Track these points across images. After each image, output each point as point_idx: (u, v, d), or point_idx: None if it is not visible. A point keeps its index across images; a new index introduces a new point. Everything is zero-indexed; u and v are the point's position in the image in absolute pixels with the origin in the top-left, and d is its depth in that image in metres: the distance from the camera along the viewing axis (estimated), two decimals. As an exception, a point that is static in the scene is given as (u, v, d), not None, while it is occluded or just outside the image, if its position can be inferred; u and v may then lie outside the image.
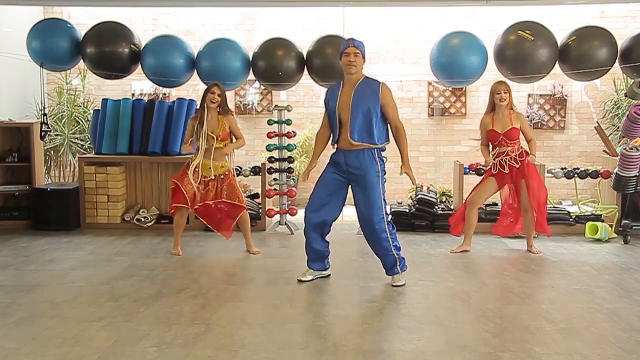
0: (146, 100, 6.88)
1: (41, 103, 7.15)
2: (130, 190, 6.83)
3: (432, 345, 3.42)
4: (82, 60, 6.60)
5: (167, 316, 3.87)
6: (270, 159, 6.55)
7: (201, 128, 5.25)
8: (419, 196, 6.63)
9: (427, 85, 8.54)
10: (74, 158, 8.02)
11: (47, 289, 4.45)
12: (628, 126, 6.02)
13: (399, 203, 6.94)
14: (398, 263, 4.53)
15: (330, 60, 6.16)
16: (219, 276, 4.88)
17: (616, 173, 6.07)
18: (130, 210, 6.71)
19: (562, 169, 6.71)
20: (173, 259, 5.35)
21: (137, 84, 8.51)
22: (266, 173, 6.53)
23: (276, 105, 6.65)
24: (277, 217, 6.57)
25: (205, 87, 5.58)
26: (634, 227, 6.06)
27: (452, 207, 6.80)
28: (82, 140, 8.22)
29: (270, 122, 6.58)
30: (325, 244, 4.67)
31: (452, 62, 6.24)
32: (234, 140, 5.46)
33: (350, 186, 4.53)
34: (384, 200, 4.46)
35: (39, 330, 3.62)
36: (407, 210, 6.58)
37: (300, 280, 4.62)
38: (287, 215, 6.53)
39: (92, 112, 7.53)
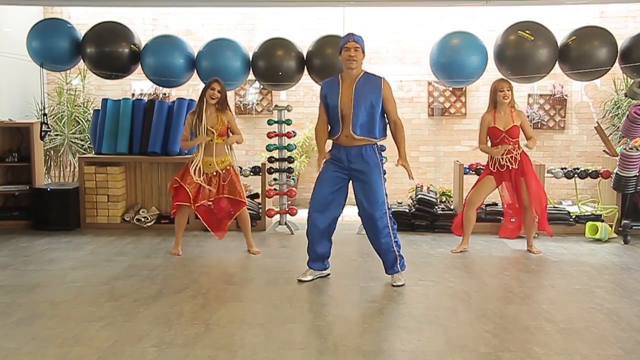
0: (146, 100, 6.88)
1: (41, 103, 7.15)
2: (130, 190, 6.83)
3: (432, 345, 3.42)
4: (82, 60, 6.60)
5: (167, 316, 3.87)
6: (270, 159, 6.55)
7: (200, 123, 5.25)
8: (419, 196, 6.63)
9: (427, 85, 8.54)
10: (74, 158, 8.02)
11: (47, 289, 4.45)
12: (628, 126, 6.02)
13: (399, 203, 6.94)
14: (398, 261, 4.54)
15: (330, 60, 6.16)
16: (219, 276, 4.88)
17: (616, 173, 6.07)
18: (130, 210, 6.71)
19: (562, 169, 6.71)
20: (173, 259, 5.35)
21: (137, 84, 8.52)
22: (266, 173, 6.53)
23: (276, 105, 6.65)
24: (277, 217, 6.57)
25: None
26: (634, 227, 6.06)
27: (452, 207, 6.80)
28: (82, 140, 8.22)
29: (270, 122, 6.58)
30: (329, 244, 4.69)
31: (452, 62, 6.23)
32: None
33: (351, 183, 4.54)
34: (386, 195, 4.49)
35: (39, 330, 3.62)
36: (407, 210, 6.58)
37: (300, 280, 4.62)
38: (287, 215, 6.53)
39: (92, 112, 7.53)
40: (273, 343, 3.45)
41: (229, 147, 5.43)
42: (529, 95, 8.45)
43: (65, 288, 4.47)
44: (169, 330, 3.63)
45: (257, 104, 8.67)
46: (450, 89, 8.39)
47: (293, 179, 6.68)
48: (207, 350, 3.34)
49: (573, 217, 6.45)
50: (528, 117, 7.88)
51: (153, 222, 6.60)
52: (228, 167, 5.42)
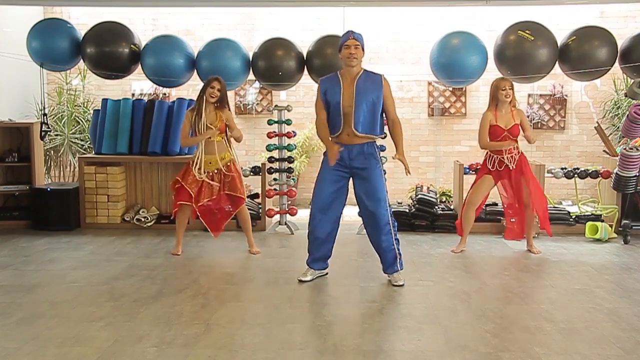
0: (146, 100, 6.88)
1: (41, 103, 7.15)
2: (130, 190, 6.82)
3: (432, 345, 3.42)
4: (82, 60, 6.60)
5: (167, 316, 3.87)
6: (270, 159, 6.55)
7: (200, 120, 5.25)
8: (419, 196, 6.63)
9: (427, 85, 8.54)
10: (74, 158, 8.02)
11: (47, 289, 4.45)
12: (628, 126, 6.02)
13: (399, 203, 6.94)
14: (398, 259, 4.55)
15: (330, 60, 6.16)
16: (219, 276, 4.88)
17: (616, 173, 6.07)
18: (130, 210, 6.71)
19: (562, 169, 6.71)
20: (173, 259, 5.35)
21: (137, 84, 8.52)
22: (266, 173, 6.53)
23: (276, 105, 6.65)
24: (277, 217, 6.57)
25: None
26: (634, 227, 6.06)
27: (452, 207, 6.80)
28: (82, 140, 8.22)
29: (270, 122, 6.58)
30: (331, 245, 4.71)
31: (452, 62, 6.24)
32: (232, 139, 5.45)
33: (352, 180, 4.56)
34: (386, 191, 4.52)
35: (39, 330, 3.62)
36: (407, 210, 6.58)
37: (301, 281, 4.62)
38: (287, 215, 6.52)
39: (92, 112, 7.53)
40: (273, 343, 3.45)
41: (228, 143, 5.43)
42: (529, 95, 8.45)
43: (65, 288, 4.47)
44: (169, 330, 3.63)
45: (257, 104, 8.67)
46: (450, 89, 8.39)
47: (293, 179, 6.68)
48: (207, 350, 3.34)
49: (573, 217, 6.45)
50: (528, 117, 7.88)
51: (153, 222, 6.59)
52: (228, 164, 5.41)
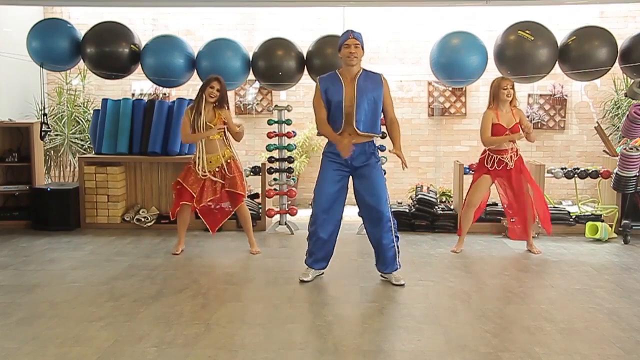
0: (146, 100, 6.88)
1: (41, 103, 7.15)
2: (130, 190, 6.82)
3: (432, 345, 3.42)
4: (82, 60, 6.60)
5: (167, 316, 3.87)
6: (270, 159, 6.55)
7: (199, 118, 5.25)
8: (419, 196, 6.63)
9: (427, 85, 8.54)
10: (74, 158, 8.02)
11: (47, 289, 4.45)
12: (628, 126, 6.02)
13: (399, 203, 6.94)
14: (397, 257, 4.56)
15: (330, 60, 6.16)
16: (219, 276, 4.88)
17: (616, 173, 6.07)
18: (130, 210, 6.71)
19: (562, 169, 6.71)
20: (173, 259, 5.35)
21: (137, 84, 8.52)
22: (266, 173, 6.53)
23: (276, 105, 6.65)
24: (277, 217, 6.57)
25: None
26: (634, 227, 6.06)
27: (452, 207, 6.80)
28: (82, 140, 8.22)
29: (270, 122, 6.59)
30: (334, 244, 4.71)
31: (452, 62, 6.24)
32: (230, 137, 5.44)
33: (351, 180, 4.57)
34: (386, 190, 4.54)
35: (39, 330, 3.62)
36: (407, 210, 6.58)
37: (302, 280, 4.62)
38: (287, 215, 6.52)
39: (92, 112, 7.53)
40: (273, 343, 3.45)
41: (228, 141, 5.43)
42: (529, 95, 8.45)
43: (65, 288, 4.47)
44: (169, 330, 3.63)
45: (257, 104, 8.67)
46: (450, 89, 8.39)
47: (293, 179, 6.68)
48: (207, 350, 3.34)
49: (573, 217, 6.45)
50: (528, 117, 7.88)
51: (153, 222, 6.59)
52: (229, 161, 5.41)
